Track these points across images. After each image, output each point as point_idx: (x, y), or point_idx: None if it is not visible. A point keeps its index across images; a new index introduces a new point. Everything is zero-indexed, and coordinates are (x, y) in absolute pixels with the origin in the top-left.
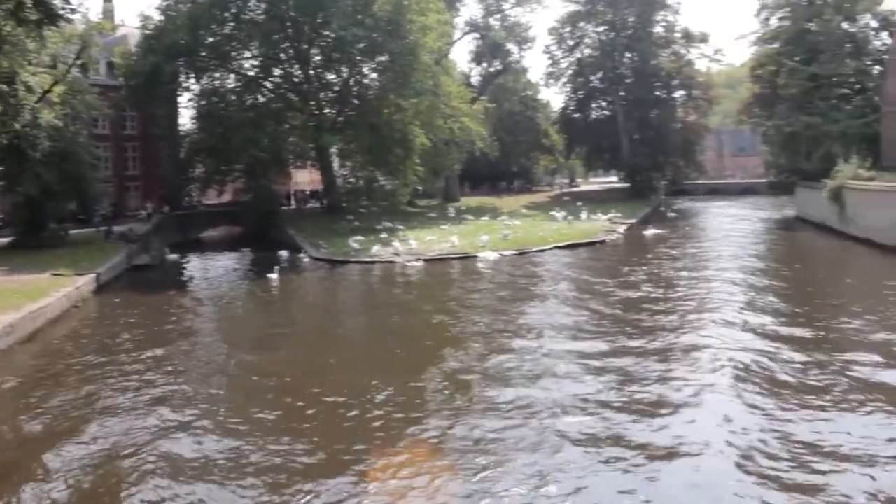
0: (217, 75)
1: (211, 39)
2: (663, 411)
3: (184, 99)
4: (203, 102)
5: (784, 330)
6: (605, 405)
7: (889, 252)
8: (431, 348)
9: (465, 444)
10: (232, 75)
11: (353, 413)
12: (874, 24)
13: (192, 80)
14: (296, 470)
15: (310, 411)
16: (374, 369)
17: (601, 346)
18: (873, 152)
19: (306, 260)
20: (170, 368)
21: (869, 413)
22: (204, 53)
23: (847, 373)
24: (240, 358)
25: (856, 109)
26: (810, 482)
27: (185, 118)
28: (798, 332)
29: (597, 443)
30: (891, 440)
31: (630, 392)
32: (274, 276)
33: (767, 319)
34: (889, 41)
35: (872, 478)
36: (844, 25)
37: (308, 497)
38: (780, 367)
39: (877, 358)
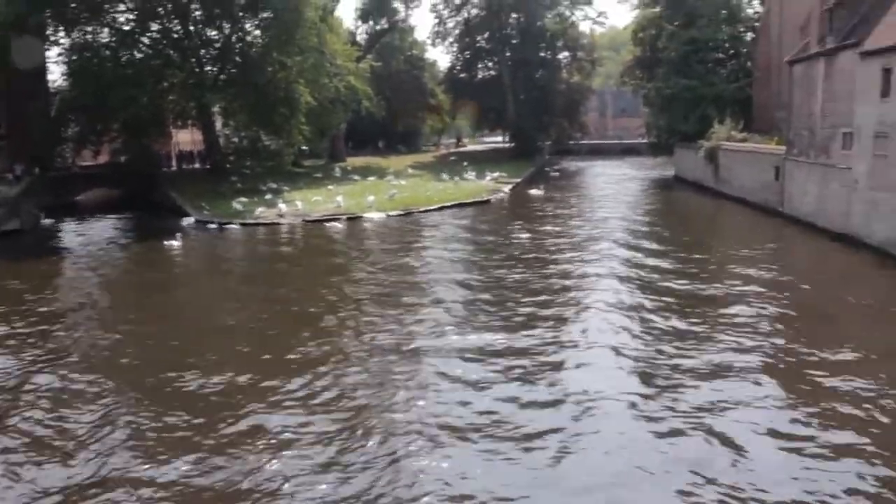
0: (89, 29)
1: None
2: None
3: (53, 53)
4: (74, 58)
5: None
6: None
7: (758, 210)
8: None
9: None
10: (106, 29)
11: None
12: None
13: (62, 34)
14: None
15: None
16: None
17: (487, 306)
18: (745, 115)
19: (188, 224)
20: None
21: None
22: (74, 4)
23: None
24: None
25: (730, 74)
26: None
27: (56, 74)
28: (679, 285)
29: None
30: None
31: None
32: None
33: (644, 272)
34: (760, 9)
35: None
36: None
37: None
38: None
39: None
